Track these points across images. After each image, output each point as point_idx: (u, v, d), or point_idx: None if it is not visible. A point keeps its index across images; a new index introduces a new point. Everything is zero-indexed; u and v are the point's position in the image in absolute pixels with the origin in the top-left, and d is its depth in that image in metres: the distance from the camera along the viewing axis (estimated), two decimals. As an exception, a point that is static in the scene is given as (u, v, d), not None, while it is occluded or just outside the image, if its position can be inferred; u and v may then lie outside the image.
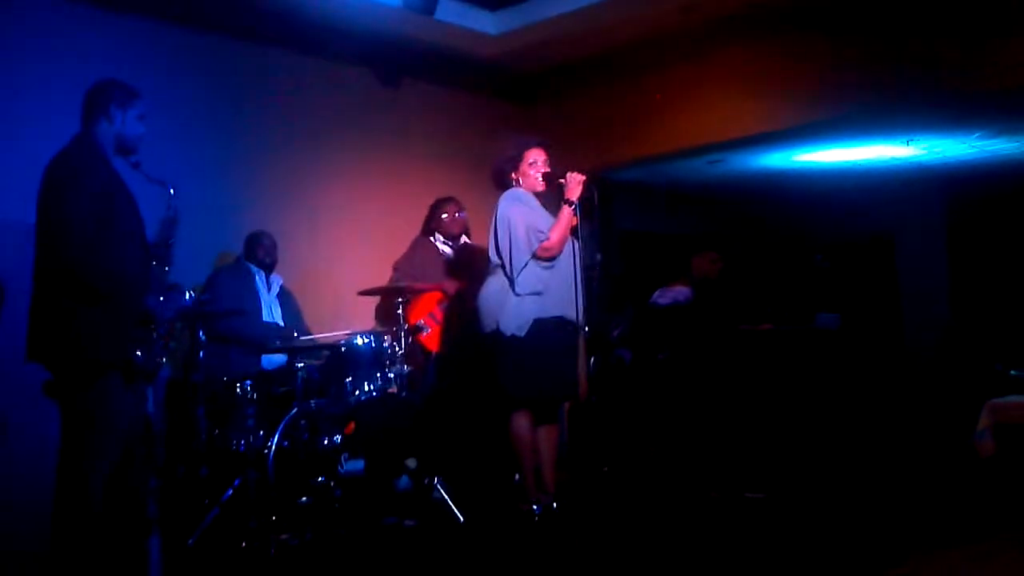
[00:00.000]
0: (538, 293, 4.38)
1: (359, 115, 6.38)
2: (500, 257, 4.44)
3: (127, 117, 3.42)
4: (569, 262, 4.43)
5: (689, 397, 5.97)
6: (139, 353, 3.28)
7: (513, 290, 4.37)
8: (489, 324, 4.44)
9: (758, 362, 6.11)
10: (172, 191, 3.45)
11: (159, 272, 3.41)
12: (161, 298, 3.38)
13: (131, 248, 3.34)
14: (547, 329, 4.37)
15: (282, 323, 5.08)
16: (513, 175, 4.55)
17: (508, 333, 4.37)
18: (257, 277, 5.12)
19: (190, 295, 3.67)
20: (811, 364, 6.28)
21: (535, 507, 4.42)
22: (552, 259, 4.42)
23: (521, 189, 4.54)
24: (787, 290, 9.05)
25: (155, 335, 3.33)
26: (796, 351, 6.28)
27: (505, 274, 4.43)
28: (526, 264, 4.38)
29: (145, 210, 3.44)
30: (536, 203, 4.54)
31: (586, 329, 4.44)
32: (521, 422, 4.42)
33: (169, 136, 4.70)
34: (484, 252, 4.62)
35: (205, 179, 5.23)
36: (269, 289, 5.16)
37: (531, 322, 4.35)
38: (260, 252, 5.15)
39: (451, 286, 5.34)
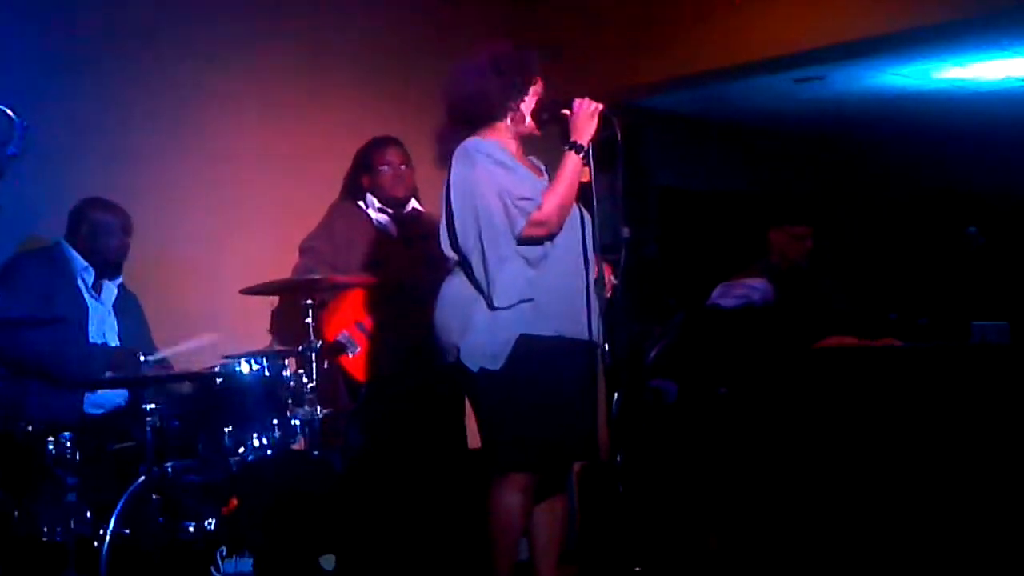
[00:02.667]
0: (527, 301, 4.30)
1: (251, 20, 6.31)
2: (460, 251, 4.38)
3: None
4: (574, 245, 4.42)
5: (766, 453, 5.94)
6: None
7: (490, 303, 4.30)
8: (449, 352, 4.40)
9: (877, 399, 6.00)
10: (17, 121, 3.69)
11: None
12: None
13: None
14: (542, 354, 4.31)
15: (118, 343, 5.04)
16: (515, 108, 4.47)
17: (475, 368, 4.31)
18: (82, 275, 4.99)
19: None
20: (964, 399, 6.07)
21: None
22: (546, 240, 4.35)
23: (491, 139, 4.45)
24: (923, 283, 9.04)
25: None
26: (940, 380, 6.13)
27: (470, 278, 4.36)
28: (507, 257, 4.31)
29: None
30: (514, 160, 4.45)
31: (606, 349, 4.44)
32: (509, 498, 4.36)
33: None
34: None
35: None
36: (100, 294, 5.05)
37: (511, 346, 4.28)
38: (102, 240, 5.00)
39: (390, 278, 5.36)
